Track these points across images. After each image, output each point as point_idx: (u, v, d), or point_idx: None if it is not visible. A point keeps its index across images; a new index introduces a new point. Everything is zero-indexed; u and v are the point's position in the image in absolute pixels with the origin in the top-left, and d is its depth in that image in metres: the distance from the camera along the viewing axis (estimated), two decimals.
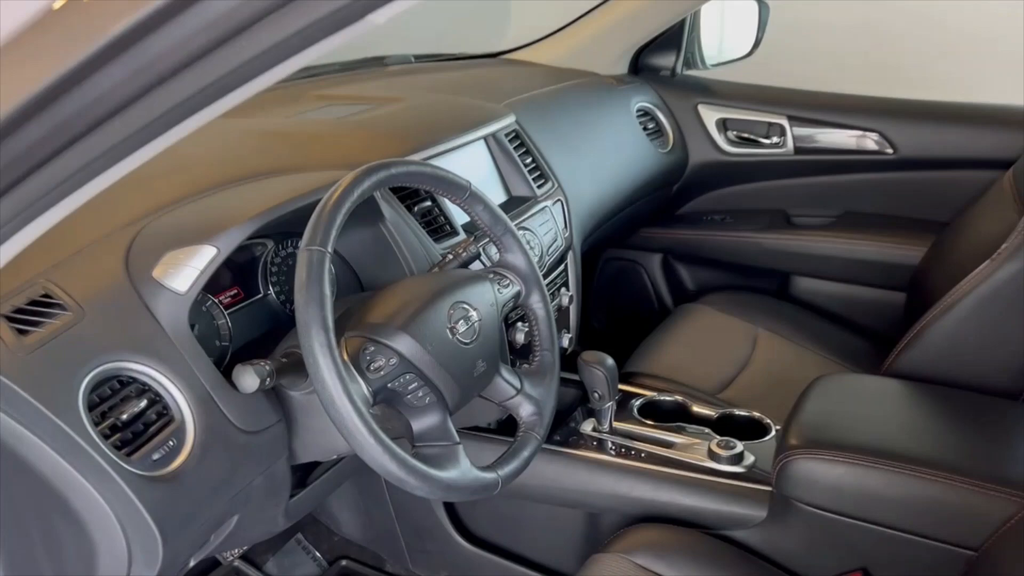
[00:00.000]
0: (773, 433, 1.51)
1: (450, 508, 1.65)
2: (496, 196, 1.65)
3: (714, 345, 1.90)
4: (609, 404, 1.49)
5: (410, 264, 1.34)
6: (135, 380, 0.98)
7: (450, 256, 1.28)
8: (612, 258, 2.44)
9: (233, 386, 0.99)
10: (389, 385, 1.01)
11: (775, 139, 2.22)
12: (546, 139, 1.78)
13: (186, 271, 1.03)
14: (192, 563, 1.08)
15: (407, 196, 1.42)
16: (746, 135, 2.25)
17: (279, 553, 1.80)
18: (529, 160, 1.71)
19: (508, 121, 1.67)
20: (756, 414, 1.55)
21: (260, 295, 1.31)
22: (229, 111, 0.63)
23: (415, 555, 1.73)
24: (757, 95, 2.26)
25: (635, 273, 2.40)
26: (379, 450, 0.94)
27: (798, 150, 2.20)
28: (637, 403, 1.60)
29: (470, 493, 1.05)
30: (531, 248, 1.54)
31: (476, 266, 1.36)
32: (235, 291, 1.30)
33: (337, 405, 0.93)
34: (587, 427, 1.55)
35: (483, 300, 1.14)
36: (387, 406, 1.05)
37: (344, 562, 1.84)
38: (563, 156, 1.81)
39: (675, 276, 2.37)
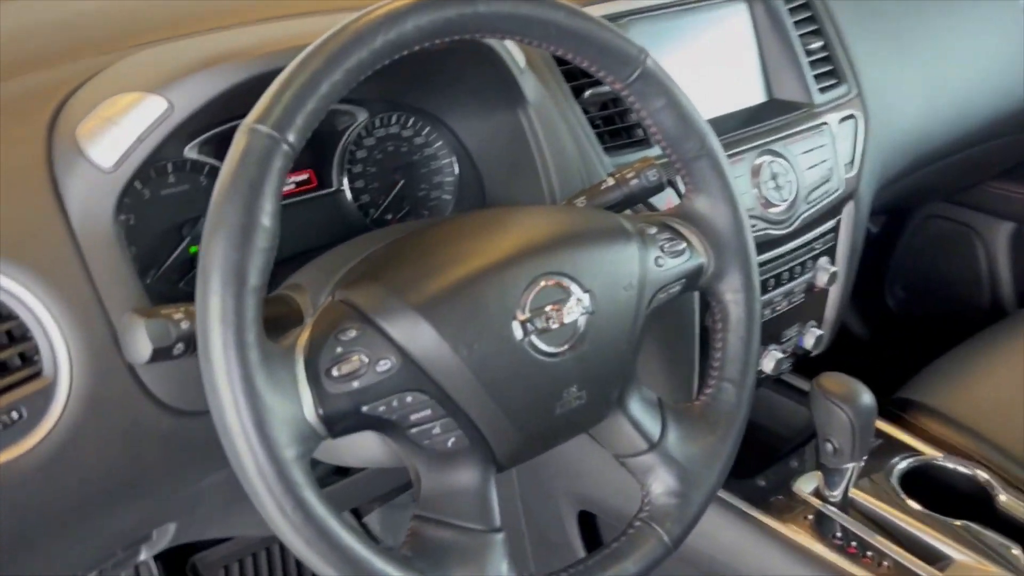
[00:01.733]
0: None
1: (589, 525, 1.17)
2: (748, 94, 1.07)
3: None
4: (851, 466, 0.90)
5: (552, 183, 0.84)
6: None
7: (611, 182, 0.75)
8: (936, 215, 1.74)
9: None
10: (366, 408, 0.54)
11: None
12: (855, 15, 1.14)
13: (115, 133, 0.62)
14: None
15: (581, 72, 0.89)
16: None
17: (388, 506, 1.45)
18: (818, 44, 1.09)
19: None
20: None
21: (332, 189, 0.88)
22: None
23: (541, 566, 1.29)
24: None
25: (966, 243, 1.72)
26: (306, 535, 0.49)
27: None
28: (902, 464, 1.00)
29: None
30: (775, 187, 0.96)
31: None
32: (305, 176, 0.88)
33: (234, 438, 0.48)
34: (807, 485, 0.98)
35: (611, 274, 0.62)
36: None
37: None
38: (878, 48, 1.16)
39: None
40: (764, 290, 0.99)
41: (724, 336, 0.69)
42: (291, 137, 0.50)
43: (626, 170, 0.76)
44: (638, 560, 0.63)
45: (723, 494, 0.99)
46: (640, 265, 0.64)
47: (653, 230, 0.67)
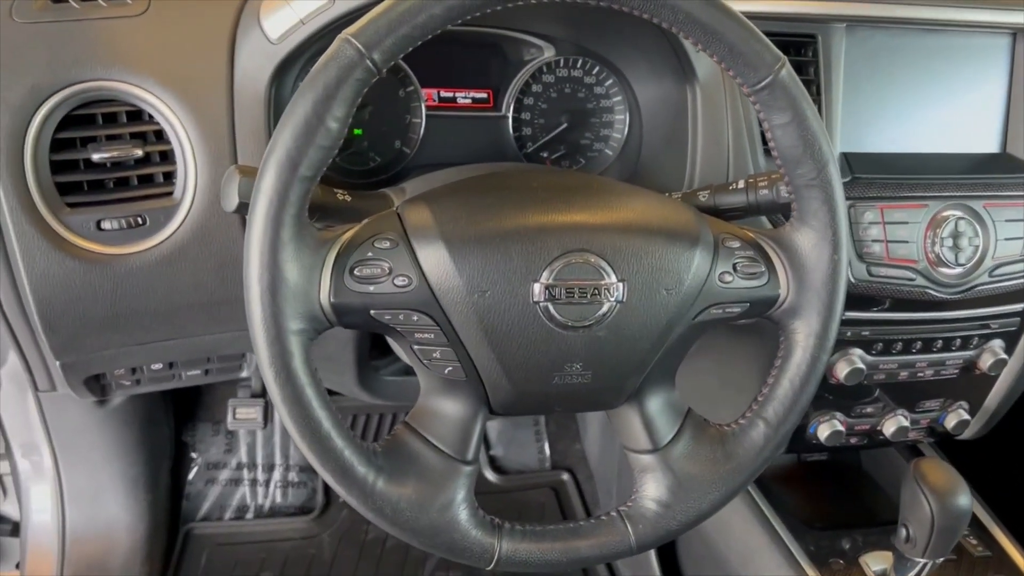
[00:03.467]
0: None
1: None
2: (976, 139, 0.95)
3: None
4: (924, 562, 0.82)
5: (696, 169, 0.81)
6: (151, 119, 0.71)
7: (741, 184, 0.72)
8: None
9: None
10: (374, 312, 0.58)
11: None
12: None
13: (286, 12, 0.70)
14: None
15: None
16: None
17: (509, 424, 1.52)
18: None
19: None
20: None
21: (499, 114, 0.92)
22: None
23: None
24: None
25: None
26: (282, 395, 0.56)
27: None
28: None
29: (429, 542, 0.61)
30: (951, 247, 0.86)
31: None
32: (484, 95, 0.92)
33: (250, 296, 0.55)
34: (876, 563, 0.91)
35: (654, 272, 0.60)
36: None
37: (565, 476, 1.49)
38: None
39: None
40: (907, 350, 0.90)
41: (778, 375, 0.65)
42: (376, 55, 0.53)
43: (760, 178, 0.72)
44: (594, 546, 0.63)
45: (784, 535, 0.95)
46: (696, 273, 0.61)
47: (736, 244, 0.64)
